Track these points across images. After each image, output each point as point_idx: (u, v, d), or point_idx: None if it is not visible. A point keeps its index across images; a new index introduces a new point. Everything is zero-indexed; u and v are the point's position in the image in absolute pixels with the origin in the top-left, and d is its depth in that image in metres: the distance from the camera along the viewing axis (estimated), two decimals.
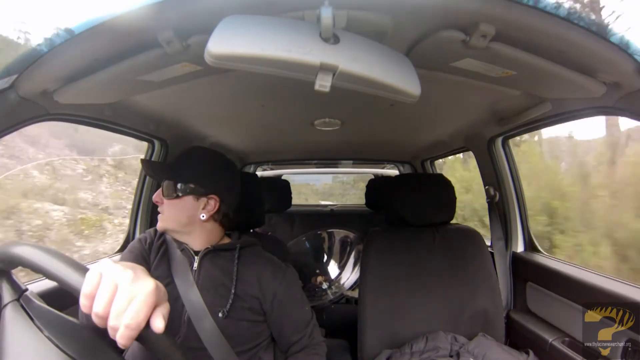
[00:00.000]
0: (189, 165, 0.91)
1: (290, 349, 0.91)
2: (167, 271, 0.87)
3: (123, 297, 0.41)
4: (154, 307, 0.43)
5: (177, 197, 0.89)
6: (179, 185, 0.88)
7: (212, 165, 0.94)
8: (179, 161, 0.91)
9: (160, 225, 0.90)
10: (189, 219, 0.90)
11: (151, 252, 0.91)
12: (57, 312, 0.49)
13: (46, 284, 0.94)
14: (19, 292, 0.47)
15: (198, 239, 0.92)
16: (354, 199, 7.59)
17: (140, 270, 0.46)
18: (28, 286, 0.49)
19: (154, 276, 0.87)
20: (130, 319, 0.40)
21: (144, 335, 0.41)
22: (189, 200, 0.89)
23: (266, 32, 0.52)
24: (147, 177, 1.45)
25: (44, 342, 0.44)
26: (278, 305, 0.89)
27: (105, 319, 0.40)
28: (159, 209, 0.91)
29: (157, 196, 0.91)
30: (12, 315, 0.45)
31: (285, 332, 0.90)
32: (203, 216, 0.91)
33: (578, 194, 3.60)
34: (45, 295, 0.54)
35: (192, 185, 0.88)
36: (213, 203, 0.91)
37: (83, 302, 0.41)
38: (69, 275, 0.43)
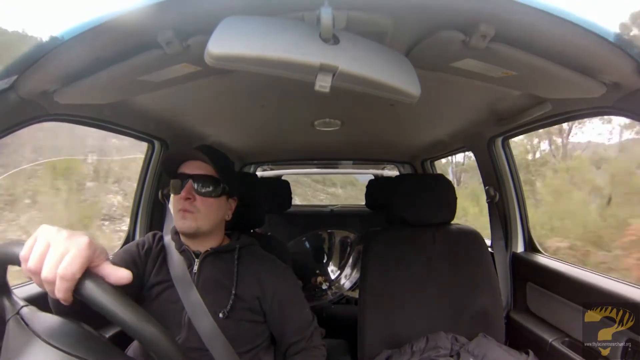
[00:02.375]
0: (225, 164, 0.91)
1: (288, 350, 0.90)
2: (167, 275, 0.87)
3: (56, 251, 0.42)
4: (95, 264, 0.44)
5: (217, 195, 0.87)
6: (222, 184, 0.88)
7: (233, 166, 0.97)
8: (215, 159, 0.86)
9: (191, 226, 0.85)
10: (220, 220, 0.91)
11: (148, 258, 0.90)
12: (54, 316, 0.51)
13: None
14: (18, 307, 0.50)
15: (215, 239, 0.92)
16: None
17: (78, 232, 0.47)
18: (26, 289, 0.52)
19: (155, 281, 0.87)
20: (64, 269, 0.40)
21: (83, 288, 0.42)
22: (223, 200, 0.90)
23: (266, 33, 0.52)
24: (148, 177, 1.45)
25: (45, 348, 0.45)
26: (277, 304, 0.89)
27: (39, 274, 0.41)
28: (187, 208, 0.85)
29: (189, 192, 0.85)
30: (14, 327, 0.48)
31: (285, 332, 0.90)
32: (228, 216, 0.93)
33: None
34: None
35: (227, 185, 0.89)
36: (233, 204, 0.95)
37: (22, 266, 0.42)
38: (10, 248, 0.45)
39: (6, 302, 0.50)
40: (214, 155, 0.88)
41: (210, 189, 0.86)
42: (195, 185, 0.85)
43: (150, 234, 0.95)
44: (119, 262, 0.88)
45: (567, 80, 0.73)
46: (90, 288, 0.43)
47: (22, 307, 0.50)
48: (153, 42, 0.63)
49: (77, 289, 0.42)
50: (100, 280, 0.44)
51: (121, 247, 1.43)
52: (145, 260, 0.90)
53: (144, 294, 0.88)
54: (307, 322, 0.92)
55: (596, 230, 4.25)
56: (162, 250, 0.91)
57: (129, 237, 1.46)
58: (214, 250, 0.90)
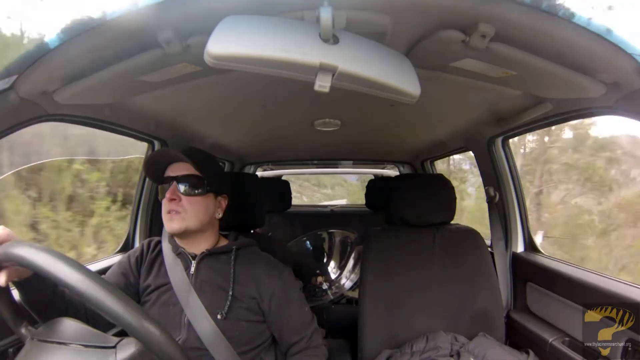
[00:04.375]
0: (207, 162, 0.91)
1: (289, 350, 0.91)
2: (166, 278, 0.87)
3: None
4: None
5: (202, 194, 0.88)
6: (206, 182, 0.88)
7: (218, 165, 0.98)
8: (195, 158, 0.87)
9: (179, 226, 0.85)
10: (209, 219, 0.91)
11: (142, 265, 0.91)
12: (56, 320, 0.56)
13: None
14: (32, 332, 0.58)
15: (208, 240, 0.93)
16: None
17: None
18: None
19: (154, 285, 0.89)
20: None
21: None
22: (210, 198, 0.90)
23: (266, 33, 0.52)
24: (147, 179, 1.45)
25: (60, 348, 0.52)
26: (276, 305, 0.89)
27: None
28: (173, 208, 0.85)
29: (173, 193, 0.85)
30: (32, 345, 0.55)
31: (285, 332, 0.90)
32: (219, 214, 0.93)
33: None
34: None
35: (214, 183, 0.90)
36: (224, 203, 0.95)
37: None
38: None
39: (23, 330, 0.58)
40: (196, 155, 0.89)
41: (194, 187, 0.87)
42: (180, 186, 0.86)
43: (146, 241, 0.97)
44: (111, 274, 0.91)
45: (567, 80, 0.73)
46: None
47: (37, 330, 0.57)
48: (153, 41, 0.63)
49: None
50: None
51: (120, 250, 1.45)
52: (138, 268, 0.91)
53: (143, 298, 0.89)
54: (307, 322, 0.92)
55: None
56: (160, 254, 0.92)
57: (129, 239, 1.46)
58: (210, 251, 0.90)
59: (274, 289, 0.89)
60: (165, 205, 0.87)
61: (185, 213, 0.85)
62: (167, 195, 0.85)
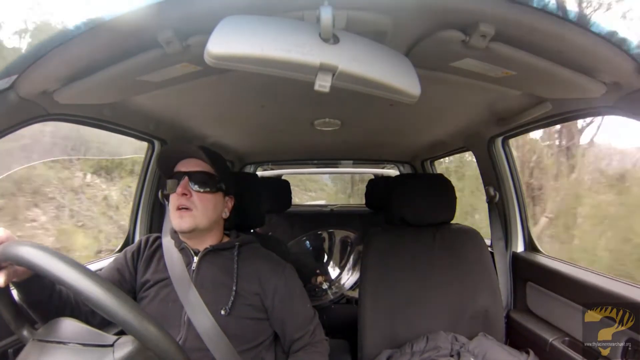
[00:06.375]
0: (219, 161, 0.92)
1: (292, 347, 0.91)
2: (166, 273, 0.87)
3: None
4: None
5: (214, 191, 0.88)
6: (217, 180, 0.89)
7: (227, 166, 0.99)
8: (210, 156, 0.87)
9: (189, 224, 0.84)
10: (217, 217, 0.91)
11: (139, 261, 0.91)
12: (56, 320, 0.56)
13: None
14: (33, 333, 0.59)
15: (213, 238, 0.93)
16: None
17: None
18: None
19: (152, 280, 0.88)
20: None
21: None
22: (220, 197, 0.91)
23: (266, 32, 0.52)
24: (147, 177, 1.45)
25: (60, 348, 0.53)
26: (279, 300, 0.89)
27: None
28: (183, 204, 0.84)
29: (185, 188, 0.84)
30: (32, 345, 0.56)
31: (288, 328, 0.90)
32: (225, 213, 0.95)
33: None
34: None
35: (223, 182, 0.91)
36: (230, 203, 0.96)
37: None
38: None
39: (25, 332, 0.58)
40: (209, 152, 0.89)
41: (207, 184, 0.87)
42: (192, 182, 0.86)
43: (144, 237, 0.97)
44: (105, 270, 0.91)
45: (567, 80, 0.73)
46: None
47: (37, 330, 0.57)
48: (153, 41, 0.63)
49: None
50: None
51: (120, 249, 1.45)
52: (134, 264, 0.91)
53: (141, 294, 0.88)
54: (310, 318, 0.93)
55: None
56: (159, 249, 0.92)
57: (129, 238, 1.46)
58: (213, 247, 0.90)
59: (277, 285, 0.89)
60: (174, 200, 0.86)
61: (196, 210, 0.85)
62: (179, 190, 0.85)
